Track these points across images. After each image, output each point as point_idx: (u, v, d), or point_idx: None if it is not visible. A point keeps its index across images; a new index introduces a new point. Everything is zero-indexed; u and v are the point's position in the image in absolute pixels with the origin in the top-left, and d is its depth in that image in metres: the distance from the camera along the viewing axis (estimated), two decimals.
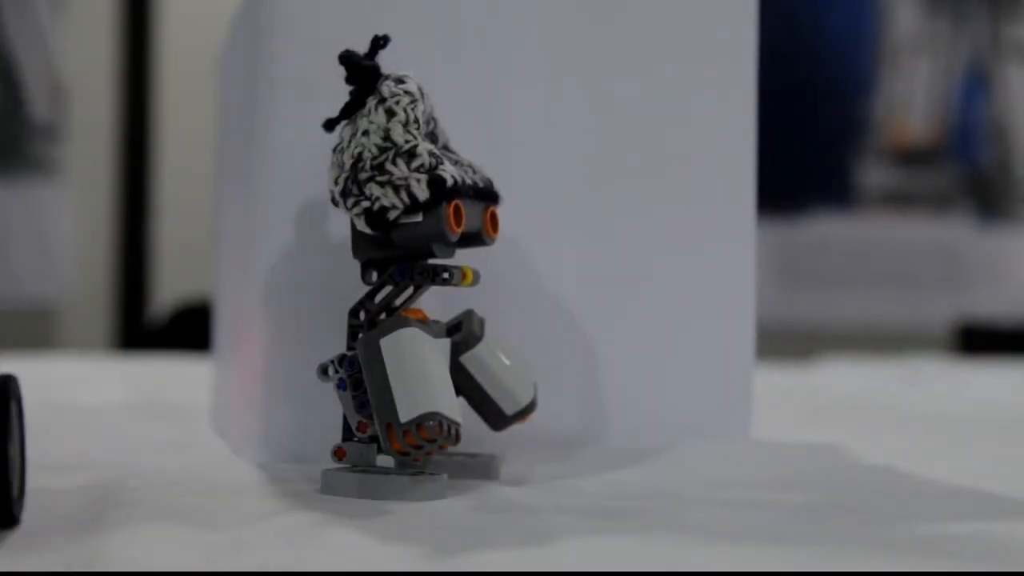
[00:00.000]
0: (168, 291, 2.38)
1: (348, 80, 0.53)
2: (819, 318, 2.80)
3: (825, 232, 2.88)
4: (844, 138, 2.93)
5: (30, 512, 0.44)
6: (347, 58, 0.53)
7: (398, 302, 0.53)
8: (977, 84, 2.94)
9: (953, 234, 2.92)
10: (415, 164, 0.51)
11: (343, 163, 0.52)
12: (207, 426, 0.73)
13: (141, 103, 2.45)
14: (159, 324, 2.17)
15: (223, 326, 0.73)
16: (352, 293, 0.54)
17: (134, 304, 2.42)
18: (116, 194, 2.46)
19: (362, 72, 0.53)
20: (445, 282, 0.53)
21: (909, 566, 0.40)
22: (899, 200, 2.92)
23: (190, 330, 1.58)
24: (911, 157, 2.93)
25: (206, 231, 0.87)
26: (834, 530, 0.45)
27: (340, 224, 0.57)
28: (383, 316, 0.53)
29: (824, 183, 2.92)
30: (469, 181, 0.52)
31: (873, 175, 2.92)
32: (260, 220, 0.60)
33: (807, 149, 2.91)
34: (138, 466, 0.56)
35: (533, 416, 0.56)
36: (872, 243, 2.89)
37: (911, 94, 2.94)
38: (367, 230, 0.51)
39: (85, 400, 0.89)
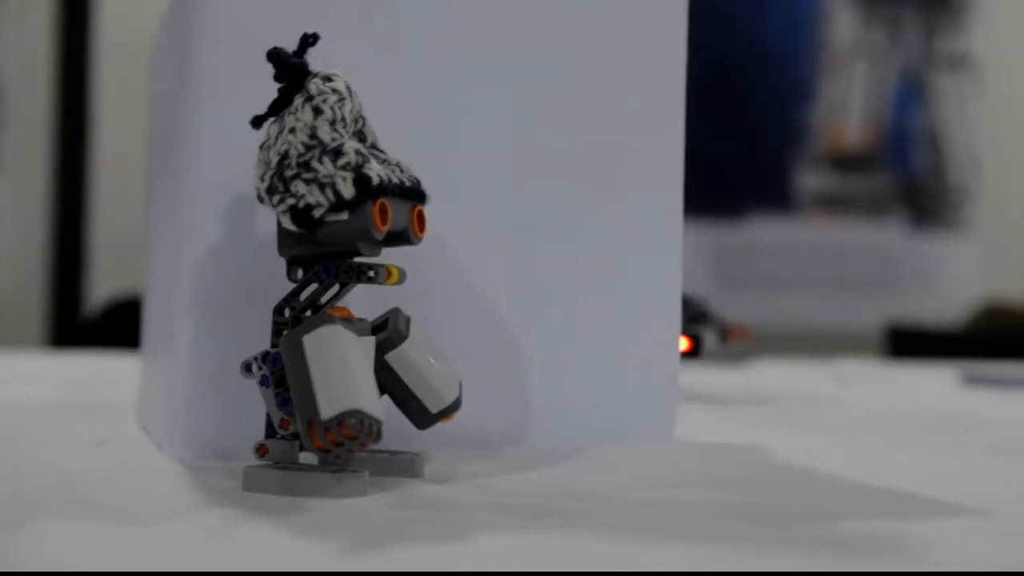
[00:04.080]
0: (104, 287, 2.36)
1: (276, 77, 0.53)
2: (754, 320, 2.83)
3: (761, 235, 2.90)
4: (782, 143, 2.96)
5: None
6: (275, 55, 0.53)
7: (323, 300, 0.53)
8: (912, 93, 2.98)
9: (887, 239, 2.96)
10: (341, 162, 0.51)
11: (269, 160, 0.52)
12: (133, 423, 0.73)
13: (78, 99, 2.42)
14: (92, 320, 2.15)
15: (151, 322, 0.73)
16: (278, 290, 0.54)
17: (68, 300, 2.40)
18: (51, 190, 2.43)
19: (290, 70, 0.53)
20: (371, 280, 0.53)
21: (825, 566, 0.40)
22: (835, 205, 2.95)
23: (123, 326, 1.57)
24: (847, 163, 2.97)
25: (141, 227, 0.87)
26: (752, 530, 0.46)
27: (267, 221, 0.57)
28: (308, 313, 0.53)
29: (762, 187, 2.94)
30: (396, 180, 0.52)
31: (810, 180, 2.95)
32: (187, 216, 0.59)
33: (746, 153, 2.93)
34: (60, 464, 0.56)
35: (458, 415, 0.56)
36: (808, 247, 2.93)
37: (848, 101, 2.97)
38: (293, 227, 0.51)
39: (14, 397, 0.88)
